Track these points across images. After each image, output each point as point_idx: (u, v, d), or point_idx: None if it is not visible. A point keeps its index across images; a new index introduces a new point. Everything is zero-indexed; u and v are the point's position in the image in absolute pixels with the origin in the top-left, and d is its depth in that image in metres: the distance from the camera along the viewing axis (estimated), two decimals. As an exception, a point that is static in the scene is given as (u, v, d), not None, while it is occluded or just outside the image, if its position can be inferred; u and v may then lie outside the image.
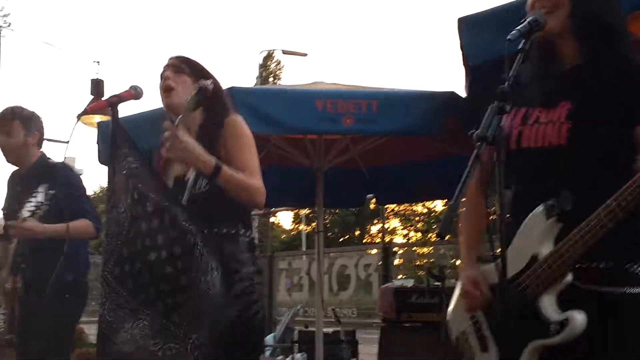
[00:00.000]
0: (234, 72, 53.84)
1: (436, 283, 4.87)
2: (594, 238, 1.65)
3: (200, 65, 2.62)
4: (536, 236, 1.76)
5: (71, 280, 3.43)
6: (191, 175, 2.35)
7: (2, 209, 3.73)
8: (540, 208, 1.75)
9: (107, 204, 2.38)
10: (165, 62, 2.58)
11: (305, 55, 22.38)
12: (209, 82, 2.41)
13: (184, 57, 2.61)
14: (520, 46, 1.69)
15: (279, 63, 35.89)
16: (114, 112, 2.46)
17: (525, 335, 1.73)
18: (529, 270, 1.76)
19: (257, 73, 24.09)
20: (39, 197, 3.15)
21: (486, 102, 1.68)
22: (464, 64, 3.69)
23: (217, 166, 2.27)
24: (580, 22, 1.82)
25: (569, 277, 1.71)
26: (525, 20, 1.72)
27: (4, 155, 3.57)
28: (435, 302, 4.80)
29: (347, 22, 64.28)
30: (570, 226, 1.69)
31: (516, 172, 1.82)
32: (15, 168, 3.66)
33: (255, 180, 2.40)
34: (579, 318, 1.67)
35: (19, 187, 3.56)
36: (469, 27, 3.56)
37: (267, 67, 34.61)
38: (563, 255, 1.70)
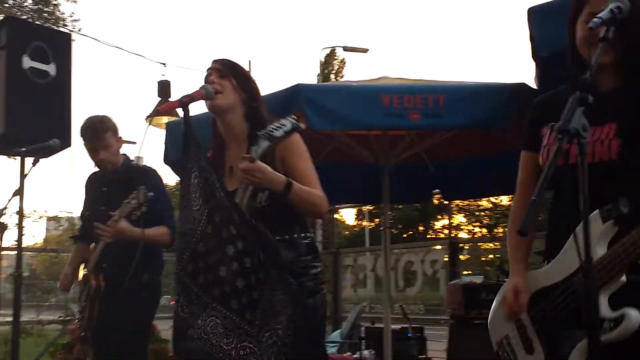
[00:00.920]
0: (295, 70, 54.17)
1: (506, 279, 4.76)
2: None
3: (244, 69, 2.65)
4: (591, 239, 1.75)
5: (147, 280, 3.52)
6: (248, 190, 2.35)
7: (84, 211, 3.84)
8: (595, 212, 1.80)
9: (180, 203, 2.40)
10: (209, 66, 2.60)
11: (366, 51, 22.19)
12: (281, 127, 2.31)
13: (227, 61, 2.63)
14: (602, 35, 1.63)
15: (342, 60, 35.93)
16: (186, 112, 2.48)
17: (575, 334, 1.77)
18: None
19: (317, 71, 24.10)
20: (138, 198, 3.21)
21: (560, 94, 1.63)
22: (533, 55, 3.60)
23: (288, 183, 2.31)
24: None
25: (624, 278, 1.76)
26: (606, 7, 1.66)
27: (103, 165, 3.67)
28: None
29: (409, 16, 63.78)
30: (626, 229, 1.76)
31: (561, 186, 1.91)
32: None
33: (318, 191, 2.43)
34: (634, 314, 1.69)
35: (106, 189, 3.67)
36: (540, 17, 3.47)
37: (329, 65, 34.66)
38: (619, 256, 1.75)
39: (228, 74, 2.55)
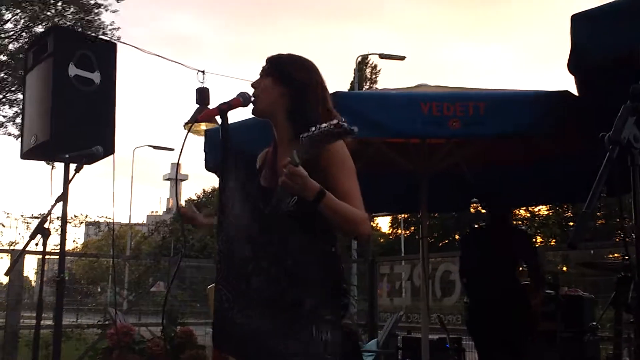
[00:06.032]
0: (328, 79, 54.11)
1: (548, 290, 4.68)
2: None
3: (291, 59, 2.47)
4: None
5: None
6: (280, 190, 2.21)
7: None
8: None
9: (219, 210, 2.39)
10: None
11: (403, 58, 22.05)
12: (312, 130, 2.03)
13: (273, 57, 2.49)
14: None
15: (374, 67, 35.81)
16: (224, 120, 2.47)
17: None
18: None
19: (351, 79, 23.97)
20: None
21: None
22: (573, 63, 3.53)
23: (321, 191, 2.12)
24: None
25: None
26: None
27: None
28: (548, 310, 4.60)
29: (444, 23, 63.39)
30: None
31: None
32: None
33: (360, 211, 2.23)
34: None
35: None
36: (584, 24, 3.40)
37: (363, 72, 34.58)
38: None
39: (270, 71, 2.43)
